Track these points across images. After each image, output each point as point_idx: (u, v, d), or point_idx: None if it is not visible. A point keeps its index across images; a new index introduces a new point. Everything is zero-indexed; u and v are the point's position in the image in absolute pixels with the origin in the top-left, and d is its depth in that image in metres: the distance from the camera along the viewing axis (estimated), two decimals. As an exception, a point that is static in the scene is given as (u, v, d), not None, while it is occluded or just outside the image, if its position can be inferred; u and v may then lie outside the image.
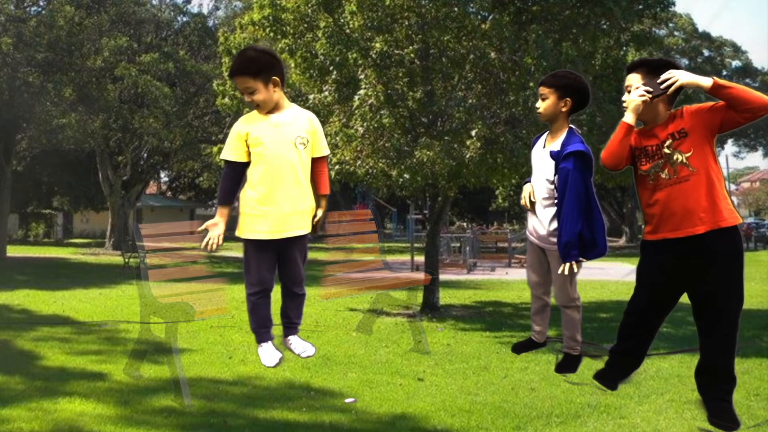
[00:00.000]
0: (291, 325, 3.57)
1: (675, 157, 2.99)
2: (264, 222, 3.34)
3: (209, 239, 3.31)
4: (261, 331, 3.51)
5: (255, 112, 3.45)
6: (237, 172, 3.39)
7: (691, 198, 2.97)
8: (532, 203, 3.53)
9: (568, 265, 3.35)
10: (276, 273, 3.46)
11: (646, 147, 3.08)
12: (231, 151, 3.38)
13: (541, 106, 3.48)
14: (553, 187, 3.42)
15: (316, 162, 3.50)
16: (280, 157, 3.35)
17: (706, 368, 3.05)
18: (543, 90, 3.48)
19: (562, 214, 3.33)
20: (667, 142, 3.01)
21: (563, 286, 3.48)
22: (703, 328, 3.04)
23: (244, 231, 3.37)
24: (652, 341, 3.24)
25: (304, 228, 3.43)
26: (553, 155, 3.39)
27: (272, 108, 3.40)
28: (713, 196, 2.96)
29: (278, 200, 3.34)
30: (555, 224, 3.41)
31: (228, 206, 3.43)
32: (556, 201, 3.41)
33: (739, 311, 2.99)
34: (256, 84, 3.34)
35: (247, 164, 3.37)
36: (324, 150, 3.55)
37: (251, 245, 3.37)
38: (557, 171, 3.37)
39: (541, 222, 3.48)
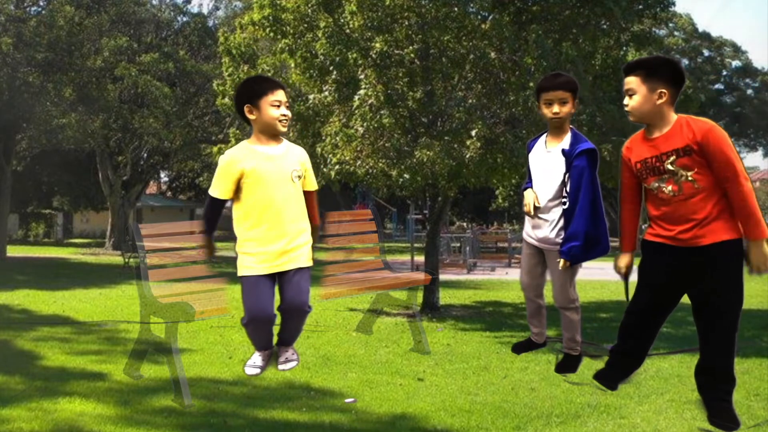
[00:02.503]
0: (282, 342, 3.63)
1: (679, 174, 2.96)
2: (262, 261, 3.35)
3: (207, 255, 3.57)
4: (257, 346, 3.61)
5: (244, 144, 3.46)
6: (221, 207, 3.45)
7: (698, 212, 2.95)
8: (537, 208, 3.48)
9: (566, 263, 3.37)
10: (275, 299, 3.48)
11: (646, 160, 3.05)
12: (220, 188, 3.39)
13: (561, 110, 3.43)
14: (563, 186, 3.41)
15: (306, 195, 3.52)
16: (277, 192, 3.35)
17: (706, 368, 3.05)
18: (563, 94, 3.43)
19: (576, 211, 3.35)
20: (671, 159, 2.97)
21: (563, 288, 3.48)
22: (702, 328, 3.04)
23: (242, 269, 3.38)
24: (653, 341, 3.24)
25: (305, 262, 3.43)
26: (566, 153, 3.39)
27: (271, 138, 3.43)
28: (720, 211, 2.93)
29: (277, 238, 3.35)
30: (562, 223, 3.42)
31: (211, 236, 3.60)
32: (564, 200, 3.41)
33: (739, 312, 2.98)
34: (286, 98, 3.46)
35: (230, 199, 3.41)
36: (314, 185, 3.58)
37: (247, 278, 3.37)
38: (570, 169, 3.38)
39: (549, 223, 3.45)
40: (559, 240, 3.42)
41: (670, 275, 3.06)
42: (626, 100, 3.09)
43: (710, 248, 2.93)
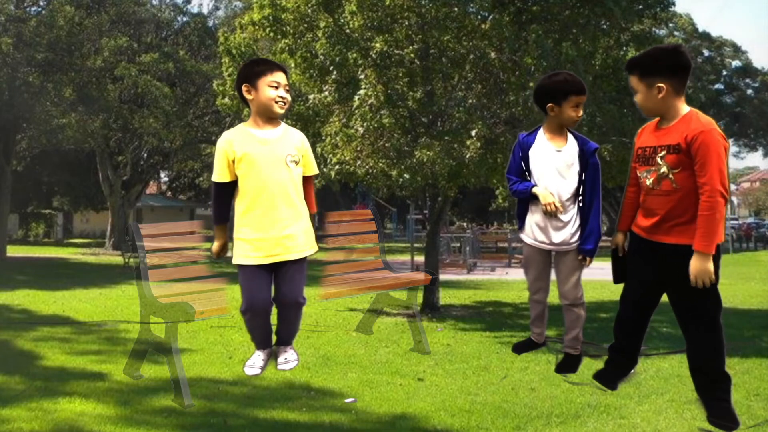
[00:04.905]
0: (281, 341, 3.60)
1: (662, 171, 2.96)
2: (258, 249, 3.30)
3: (214, 250, 3.44)
4: (257, 342, 3.58)
5: (240, 127, 3.42)
6: (227, 191, 3.37)
7: (671, 210, 2.95)
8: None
9: (590, 260, 3.45)
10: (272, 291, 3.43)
11: (645, 148, 3.07)
12: (218, 172, 3.36)
13: (579, 114, 3.48)
14: (579, 185, 3.44)
15: (304, 181, 3.46)
16: (270, 177, 3.29)
17: (698, 369, 3.05)
18: (582, 98, 3.45)
19: (592, 209, 3.43)
20: (662, 153, 2.97)
21: (576, 285, 3.49)
22: (685, 330, 3.05)
23: (238, 257, 3.34)
24: (644, 336, 3.26)
25: (300, 251, 3.37)
26: (585, 152, 3.44)
27: (268, 121, 3.38)
28: (693, 216, 2.90)
29: (271, 224, 3.29)
30: (578, 222, 3.45)
31: (225, 223, 3.44)
32: (579, 199, 3.44)
33: (719, 312, 2.98)
34: (286, 81, 3.38)
35: (235, 182, 3.34)
36: (314, 169, 3.52)
37: (244, 268, 3.33)
38: (586, 168, 3.43)
39: (566, 224, 3.44)
40: (573, 239, 3.45)
41: (647, 269, 3.08)
42: (635, 97, 3.10)
43: (678, 248, 2.91)
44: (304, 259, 3.41)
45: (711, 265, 2.83)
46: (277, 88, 3.33)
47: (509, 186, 3.61)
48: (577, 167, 3.43)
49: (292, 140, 3.41)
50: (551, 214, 3.40)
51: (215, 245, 3.48)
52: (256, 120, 3.39)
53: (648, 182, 3.02)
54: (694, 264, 2.84)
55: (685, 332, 3.04)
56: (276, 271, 3.37)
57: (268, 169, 3.30)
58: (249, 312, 3.39)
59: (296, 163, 3.37)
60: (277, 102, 3.33)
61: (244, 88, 3.36)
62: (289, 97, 3.40)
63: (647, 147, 3.05)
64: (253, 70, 3.39)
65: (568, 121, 3.44)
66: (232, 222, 3.41)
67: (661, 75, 2.96)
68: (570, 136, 3.48)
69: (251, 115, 3.42)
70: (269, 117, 3.38)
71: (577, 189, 3.44)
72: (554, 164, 3.45)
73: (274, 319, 3.53)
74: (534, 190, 3.44)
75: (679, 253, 2.90)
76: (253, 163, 3.29)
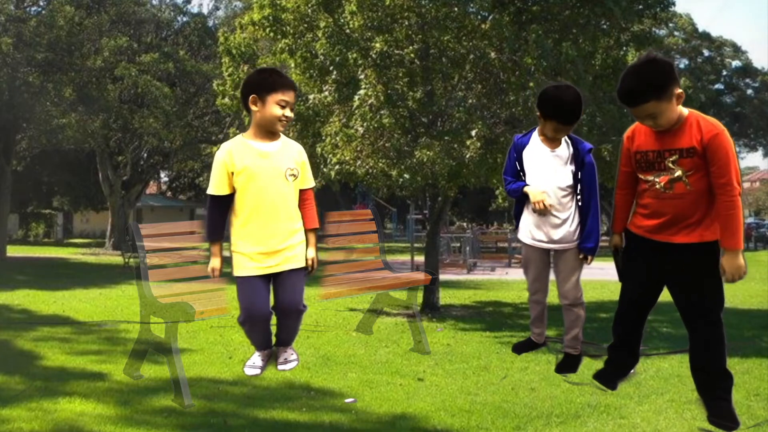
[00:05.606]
0: (281, 342, 3.60)
1: (677, 174, 2.96)
2: (257, 261, 3.30)
3: (210, 270, 3.40)
4: (256, 345, 3.59)
5: (239, 138, 3.39)
6: (224, 205, 3.36)
7: (683, 212, 2.96)
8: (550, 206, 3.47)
9: (591, 258, 3.47)
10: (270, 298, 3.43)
11: (647, 153, 3.04)
12: (216, 185, 3.33)
13: (558, 135, 3.50)
14: (576, 184, 3.45)
15: (301, 193, 3.44)
16: (269, 190, 3.29)
17: (700, 368, 3.06)
18: (563, 126, 3.41)
19: (591, 208, 3.44)
20: (674, 157, 2.95)
21: (576, 284, 3.51)
22: (691, 328, 3.06)
23: (238, 270, 3.33)
24: (642, 334, 3.27)
25: (300, 261, 3.38)
26: (580, 151, 3.46)
27: (267, 134, 3.36)
28: (703, 215, 2.94)
29: (270, 236, 3.30)
30: (578, 220, 3.46)
31: (220, 242, 3.40)
32: (578, 198, 3.45)
33: (720, 309, 3.00)
34: (293, 99, 3.36)
35: (232, 195, 3.33)
36: (311, 182, 3.50)
37: (243, 279, 3.33)
38: (582, 166, 3.44)
39: (563, 221, 3.46)
40: (574, 238, 3.46)
41: (649, 269, 3.09)
42: (649, 123, 2.97)
43: (686, 247, 2.94)
44: (303, 269, 3.41)
45: (742, 260, 2.91)
46: (284, 107, 3.32)
47: (505, 186, 3.65)
48: (571, 166, 3.45)
49: (291, 153, 3.40)
50: (541, 213, 3.43)
51: (217, 263, 3.41)
52: (256, 132, 3.36)
53: (659, 186, 3.00)
54: (728, 262, 2.89)
55: (690, 329, 3.05)
56: (275, 279, 3.36)
57: (267, 182, 3.29)
58: (248, 323, 3.40)
59: (295, 177, 3.37)
60: (280, 120, 3.32)
61: (250, 99, 3.32)
62: (292, 116, 3.40)
63: (650, 152, 3.02)
64: (265, 80, 3.34)
65: (548, 132, 3.46)
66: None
67: (676, 83, 2.91)
68: (564, 138, 3.49)
69: (251, 125, 3.39)
70: (269, 131, 3.37)
71: (574, 187, 3.45)
72: (548, 164, 3.47)
73: (273, 320, 3.54)
74: (525, 189, 3.47)
75: (687, 252, 2.93)
76: (253, 176, 3.28)
